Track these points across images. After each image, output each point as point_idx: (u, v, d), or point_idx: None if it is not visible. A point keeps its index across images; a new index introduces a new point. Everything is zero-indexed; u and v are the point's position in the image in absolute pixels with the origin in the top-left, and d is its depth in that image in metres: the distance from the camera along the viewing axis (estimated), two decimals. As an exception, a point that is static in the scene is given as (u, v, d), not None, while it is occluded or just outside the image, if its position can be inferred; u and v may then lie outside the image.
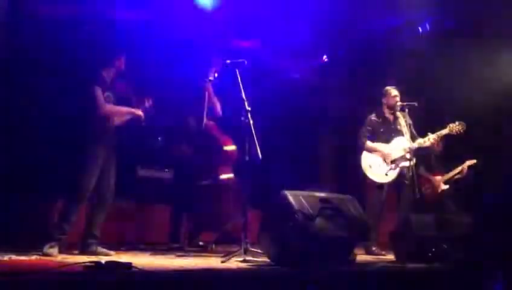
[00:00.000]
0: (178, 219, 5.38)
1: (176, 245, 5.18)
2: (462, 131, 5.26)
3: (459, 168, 6.44)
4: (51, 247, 3.97)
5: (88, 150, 4.25)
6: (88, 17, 6.16)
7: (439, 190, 6.48)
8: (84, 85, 4.36)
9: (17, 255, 3.74)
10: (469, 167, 6.42)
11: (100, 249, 4.18)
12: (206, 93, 5.25)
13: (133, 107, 4.56)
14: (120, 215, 6.04)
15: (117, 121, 4.53)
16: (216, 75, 5.33)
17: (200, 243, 5.40)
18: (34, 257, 3.73)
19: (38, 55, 5.75)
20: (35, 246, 4.09)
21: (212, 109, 5.33)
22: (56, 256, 3.88)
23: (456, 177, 6.44)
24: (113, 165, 4.42)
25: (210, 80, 5.27)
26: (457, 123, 5.27)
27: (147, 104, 4.61)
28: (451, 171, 6.49)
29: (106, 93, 4.34)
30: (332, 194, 3.91)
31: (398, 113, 5.41)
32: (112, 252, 4.20)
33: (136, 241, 5.48)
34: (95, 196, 4.32)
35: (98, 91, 4.26)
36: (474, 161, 6.41)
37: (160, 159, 7.13)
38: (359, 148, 5.47)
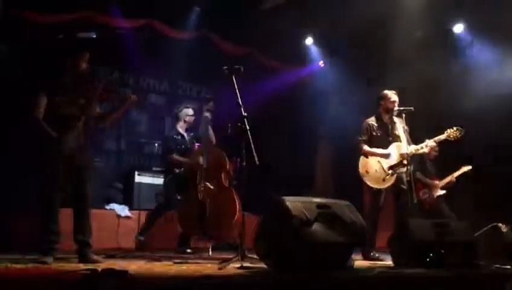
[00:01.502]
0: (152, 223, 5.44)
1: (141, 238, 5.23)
2: (460, 136, 5.24)
3: (456, 174, 6.44)
4: (45, 256, 3.94)
5: (48, 159, 4.17)
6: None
7: (436, 195, 6.47)
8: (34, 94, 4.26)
9: (14, 263, 3.72)
10: (465, 172, 6.43)
11: (96, 257, 4.14)
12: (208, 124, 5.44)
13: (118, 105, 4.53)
14: (117, 221, 6.05)
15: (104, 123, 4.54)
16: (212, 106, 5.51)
17: (188, 249, 5.42)
18: (30, 265, 3.70)
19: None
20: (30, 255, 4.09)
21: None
22: (51, 264, 3.84)
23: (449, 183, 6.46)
24: (85, 172, 4.26)
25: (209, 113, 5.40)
26: (455, 129, 5.25)
27: (133, 98, 4.53)
28: (447, 176, 6.49)
29: (58, 97, 4.21)
30: (330, 200, 3.90)
31: (396, 118, 5.40)
32: (105, 261, 4.16)
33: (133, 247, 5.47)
34: (76, 203, 4.27)
35: (40, 98, 4.18)
36: (470, 166, 6.41)
37: (157, 166, 7.16)
38: (357, 153, 5.46)
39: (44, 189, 4.14)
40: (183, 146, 5.57)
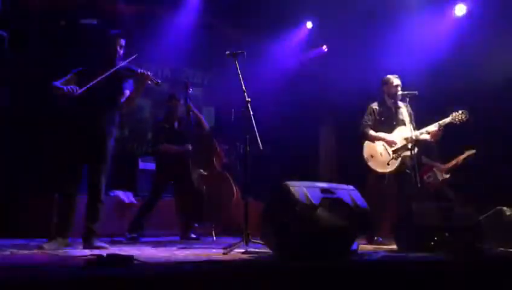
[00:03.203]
0: (147, 210, 5.40)
1: (133, 235, 5.21)
2: (465, 119, 5.20)
3: (460, 158, 6.42)
4: (52, 242, 3.96)
5: (66, 150, 4.19)
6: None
7: (441, 179, 6.46)
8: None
9: (19, 249, 3.74)
10: (468, 156, 6.40)
11: (99, 244, 4.16)
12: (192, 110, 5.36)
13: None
14: (121, 207, 6.07)
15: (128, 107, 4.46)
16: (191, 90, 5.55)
17: (193, 235, 5.44)
18: (34, 251, 3.72)
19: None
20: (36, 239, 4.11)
21: (197, 124, 5.35)
22: (57, 250, 3.87)
23: (455, 166, 6.44)
24: (101, 162, 4.24)
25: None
26: (460, 112, 5.20)
27: (144, 74, 4.31)
28: (452, 160, 6.47)
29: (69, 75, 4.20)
30: (334, 184, 3.90)
31: (400, 103, 5.38)
32: (110, 247, 4.18)
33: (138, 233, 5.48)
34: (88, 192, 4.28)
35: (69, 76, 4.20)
36: (474, 150, 6.38)
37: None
38: (361, 138, 5.44)
39: (61, 174, 4.18)
40: (172, 135, 5.46)
